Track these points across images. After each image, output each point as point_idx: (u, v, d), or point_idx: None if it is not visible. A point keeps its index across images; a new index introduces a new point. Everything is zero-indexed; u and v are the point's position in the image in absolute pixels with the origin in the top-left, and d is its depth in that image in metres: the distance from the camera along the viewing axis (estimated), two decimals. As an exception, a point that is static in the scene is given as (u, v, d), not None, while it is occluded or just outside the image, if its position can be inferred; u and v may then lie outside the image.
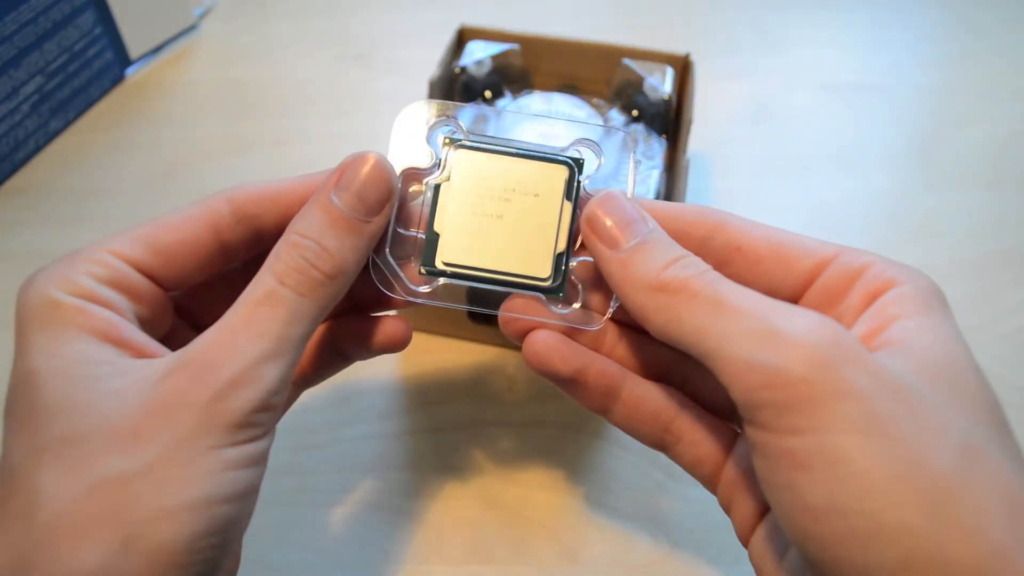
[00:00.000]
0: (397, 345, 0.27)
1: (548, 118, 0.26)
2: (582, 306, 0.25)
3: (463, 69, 0.44)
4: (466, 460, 0.37)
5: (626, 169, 0.25)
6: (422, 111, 0.25)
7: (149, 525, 0.19)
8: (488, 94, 0.44)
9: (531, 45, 0.45)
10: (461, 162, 0.25)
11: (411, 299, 0.25)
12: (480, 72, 0.44)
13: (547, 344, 0.24)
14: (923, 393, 0.19)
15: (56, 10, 0.49)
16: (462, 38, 0.45)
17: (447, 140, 0.25)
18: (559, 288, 0.25)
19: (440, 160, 0.25)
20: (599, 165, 0.25)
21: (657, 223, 0.23)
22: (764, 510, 0.24)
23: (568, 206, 0.25)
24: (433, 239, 0.24)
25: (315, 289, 0.22)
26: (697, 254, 0.23)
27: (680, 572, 0.34)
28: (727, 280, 0.21)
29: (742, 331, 0.19)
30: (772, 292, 0.23)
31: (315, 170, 0.25)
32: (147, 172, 0.50)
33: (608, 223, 0.23)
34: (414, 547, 0.35)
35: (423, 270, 0.24)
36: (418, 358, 0.41)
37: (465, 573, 0.34)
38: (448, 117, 0.25)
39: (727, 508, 0.25)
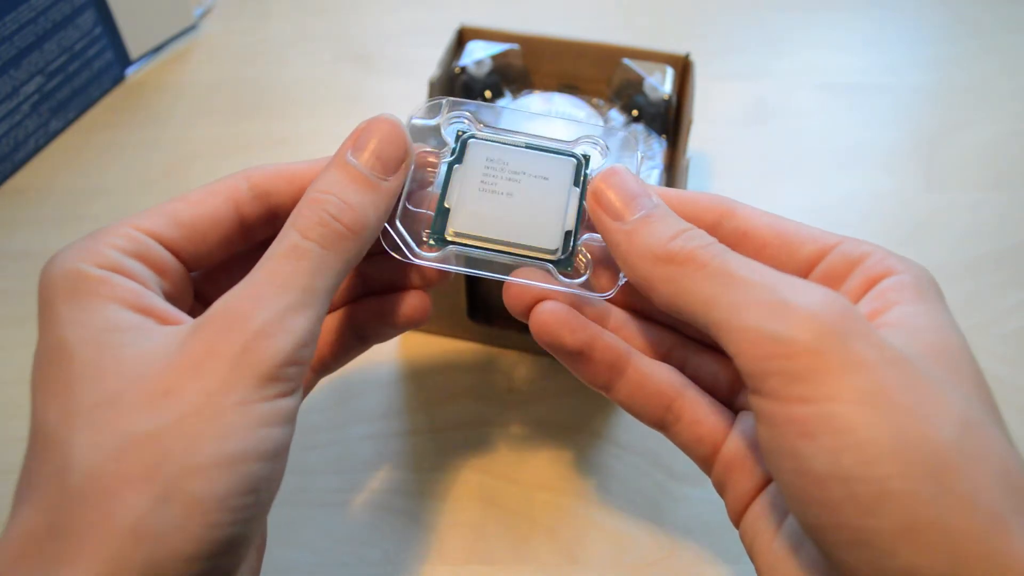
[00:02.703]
0: (421, 318, 0.27)
1: (548, 117, 0.27)
2: (589, 281, 0.25)
3: (463, 69, 0.44)
4: (466, 460, 0.37)
5: (629, 167, 0.26)
6: (436, 109, 0.26)
7: (182, 480, 0.18)
8: (488, 94, 0.44)
9: (531, 45, 0.45)
10: (473, 149, 0.25)
11: (419, 262, 0.25)
12: (480, 72, 0.44)
13: (555, 315, 0.24)
14: (924, 368, 0.19)
15: (56, 10, 0.49)
16: (462, 38, 0.45)
17: (460, 134, 0.26)
18: (568, 260, 0.25)
19: (454, 146, 0.25)
20: (603, 163, 0.26)
21: (662, 199, 0.24)
22: (758, 489, 0.24)
23: (576, 192, 0.25)
24: (443, 212, 0.25)
25: (337, 242, 0.22)
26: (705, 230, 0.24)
27: (680, 572, 0.34)
28: (733, 252, 0.21)
29: (752, 301, 0.20)
30: None
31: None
32: (147, 172, 0.50)
33: (612, 196, 0.23)
34: (414, 547, 0.35)
35: (432, 240, 0.25)
36: (418, 358, 0.41)
37: (465, 573, 0.34)
38: (461, 113, 0.26)
39: (721, 488, 0.25)
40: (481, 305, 0.40)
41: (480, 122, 0.26)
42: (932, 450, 0.18)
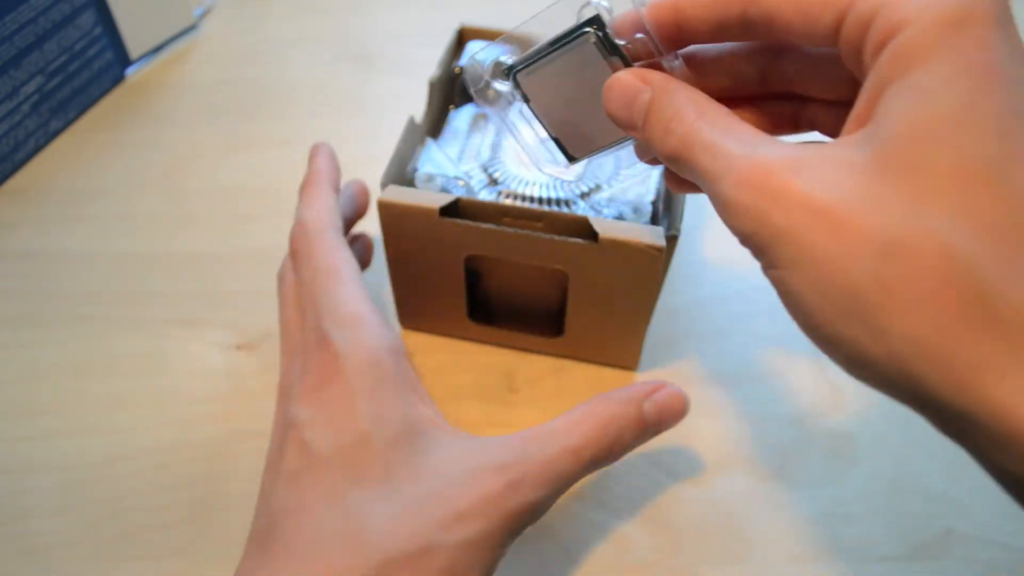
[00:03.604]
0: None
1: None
2: None
3: (463, 69, 0.44)
4: (466, 460, 0.37)
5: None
6: (477, 77, 0.30)
7: None
8: (488, 94, 0.44)
9: (531, 45, 0.45)
10: (526, 83, 0.28)
11: (576, 166, 0.30)
12: (480, 72, 0.44)
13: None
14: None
15: (56, 10, 0.49)
16: (462, 38, 0.45)
17: (502, 71, 0.29)
18: None
19: (514, 89, 0.29)
20: (614, 8, 0.26)
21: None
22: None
23: (617, 63, 0.26)
24: (556, 141, 0.30)
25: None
26: (740, 33, 0.24)
27: (680, 572, 0.34)
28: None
29: None
30: None
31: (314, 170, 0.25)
32: (147, 172, 0.50)
33: (619, 112, 0.25)
34: (414, 547, 0.35)
35: (569, 164, 0.30)
36: (418, 358, 0.41)
37: (465, 573, 0.34)
38: (498, 61, 0.29)
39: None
40: (481, 305, 0.40)
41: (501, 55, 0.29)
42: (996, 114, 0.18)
